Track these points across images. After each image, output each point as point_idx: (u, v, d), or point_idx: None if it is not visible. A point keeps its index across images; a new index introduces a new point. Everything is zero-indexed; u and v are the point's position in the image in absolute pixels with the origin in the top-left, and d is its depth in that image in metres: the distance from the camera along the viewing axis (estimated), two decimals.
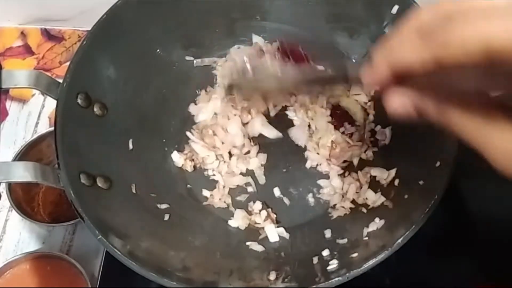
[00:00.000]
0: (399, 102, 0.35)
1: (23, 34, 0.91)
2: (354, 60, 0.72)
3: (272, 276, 0.56)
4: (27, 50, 0.90)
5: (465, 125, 0.32)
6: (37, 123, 0.84)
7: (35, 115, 0.85)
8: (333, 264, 0.56)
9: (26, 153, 0.72)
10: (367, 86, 0.39)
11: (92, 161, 0.60)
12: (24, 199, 0.73)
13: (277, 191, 0.69)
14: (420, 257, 0.65)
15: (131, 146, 0.67)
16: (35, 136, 0.74)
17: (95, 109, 0.62)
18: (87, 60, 0.61)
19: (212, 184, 0.70)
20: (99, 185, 0.59)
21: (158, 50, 0.71)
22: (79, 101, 0.60)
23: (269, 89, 0.55)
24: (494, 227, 0.67)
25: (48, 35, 0.91)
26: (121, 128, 0.66)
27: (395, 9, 0.64)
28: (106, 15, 0.63)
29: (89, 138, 0.61)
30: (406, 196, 0.59)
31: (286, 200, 0.68)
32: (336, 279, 0.50)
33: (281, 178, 0.69)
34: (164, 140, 0.72)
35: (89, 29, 0.89)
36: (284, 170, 0.70)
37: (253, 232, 0.66)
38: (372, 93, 0.69)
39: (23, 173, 0.52)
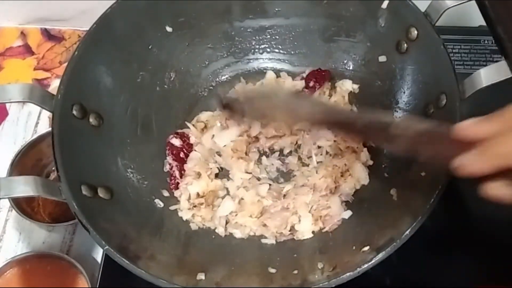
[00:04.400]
0: (501, 193, 0.38)
1: (23, 34, 0.92)
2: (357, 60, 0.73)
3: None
4: (27, 50, 0.90)
5: None
6: (37, 123, 0.84)
7: (35, 115, 0.85)
8: None
9: (26, 153, 0.72)
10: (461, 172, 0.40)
11: (92, 172, 0.60)
12: (24, 199, 0.73)
13: None
14: (420, 257, 0.65)
15: (128, 157, 0.67)
16: (35, 136, 0.74)
17: (90, 120, 0.62)
18: (80, 70, 0.61)
19: None
20: (101, 195, 0.59)
21: (153, 50, 0.70)
22: (74, 112, 0.60)
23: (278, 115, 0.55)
24: (493, 227, 0.68)
25: (48, 35, 0.91)
26: (117, 138, 0.66)
27: (385, 3, 0.64)
28: (96, 24, 0.63)
29: (87, 149, 0.61)
30: (408, 192, 0.59)
31: None
32: (348, 274, 0.50)
33: None
34: (160, 148, 0.71)
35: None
36: None
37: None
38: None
39: (24, 187, 0.52)
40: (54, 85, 0.87)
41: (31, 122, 0.84)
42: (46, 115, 0.84)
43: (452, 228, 0.68)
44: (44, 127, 0.83)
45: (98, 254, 0.71)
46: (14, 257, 0.68)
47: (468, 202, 0.70)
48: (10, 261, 0.67)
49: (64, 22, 0.90)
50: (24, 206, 0.72)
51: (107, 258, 0.68)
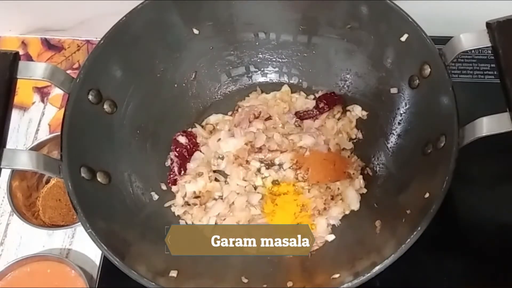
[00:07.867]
0: None
1: (24, 44, 0.93)
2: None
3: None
4: (28, 59, 0.91)
5: None
6: (37, 130, 0.86)
7: (36, 122, 0.86)
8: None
9: None
10: None
11: (95, 156, 0.61)
12: (24, 205, 0.74)
13: None
14: (419, 258, 0.65)
15: (135, 146, 0.68)
16: (36, 142, 0.76)
17: (105, 106, 0.63)
18: (102, 59, 0.62)
19: None
20: (99, 179, 0.61)
21: (177, 49, 0.71)
22: (90, 97, 0.61)
23: None
24: (488, 230, 0.69)
25: (48, 44, 0.93)
26: (128, 127, 0.67)
27: (404, 37, 0.63)
28: (126, 17, 0.64)
29: (95, 133, 0.62)
30: (391, 227, 0.60)
31: None
32: (366, 275, 0.51)
33: None
34: (167, 143, 0.73)
35: (88, 38, 0.88)
36: None
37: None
38: None
39: (26, 161, 0.53)
40: (54, 93, 0.88)
41: (32, 129, 0.86)
42: (46, 122, 0.86)
43: (451, 230, 0.69)
44: (44, 133, 0.85)
45: (97, 257, 0.73)
46: (15, 260, 0.69)
47: (464, 206, 0.71)
48: (12, 264, 0.69)
49: (64, 32, 0.92)
50: (25, 211, 0.73)
51: (105, 261, 0.69)
